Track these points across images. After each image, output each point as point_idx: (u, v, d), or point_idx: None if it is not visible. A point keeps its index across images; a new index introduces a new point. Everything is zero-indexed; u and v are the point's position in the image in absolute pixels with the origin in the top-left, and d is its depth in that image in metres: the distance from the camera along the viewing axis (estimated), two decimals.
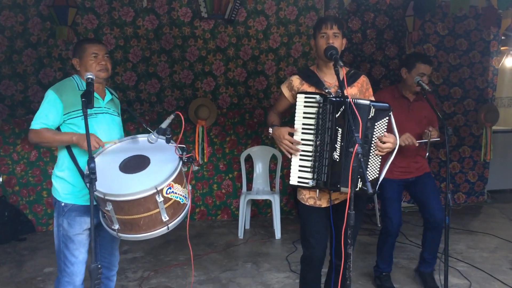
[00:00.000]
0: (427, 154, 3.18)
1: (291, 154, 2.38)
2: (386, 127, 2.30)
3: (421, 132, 3.15)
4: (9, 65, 4.70)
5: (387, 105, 2.31)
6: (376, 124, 2.28)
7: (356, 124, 2.12)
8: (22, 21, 4.65)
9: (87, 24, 4.76)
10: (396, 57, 5.59)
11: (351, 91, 2.45)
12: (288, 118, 2.44)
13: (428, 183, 3.31)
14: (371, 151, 2.29)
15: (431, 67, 3.24)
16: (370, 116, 2.27)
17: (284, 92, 2.59)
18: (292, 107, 2.60)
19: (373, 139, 2.29)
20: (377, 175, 2.33)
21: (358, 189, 2.27)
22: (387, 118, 2.30)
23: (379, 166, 2.33)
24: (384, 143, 2.29)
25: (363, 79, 2.56)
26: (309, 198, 2.49)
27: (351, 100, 2.18)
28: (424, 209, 3.31)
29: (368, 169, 2.29)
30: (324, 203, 2.47)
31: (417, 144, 3.09)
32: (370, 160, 2.30)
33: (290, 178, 2.40)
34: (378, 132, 2.29)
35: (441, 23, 5.64)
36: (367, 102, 2.27)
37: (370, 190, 1.95)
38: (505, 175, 6.49)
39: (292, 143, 2.35)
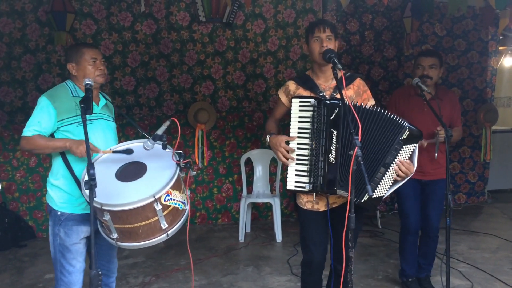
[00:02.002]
0: (436, 155, 3.13)
1: (287, 161, 2.37)
2: (411, 152, 2.28)
3: (433, 134, 3.09)
4: (8, 71, 4.69)
5: (421, 132, 2.29)
6: (404, 146, 2.26)
7: (355, 126, 2.11)
8: (20, 27, 4.65)
9: (85, 30, 4.77)
10: (395, 58, 5.59)
11: (347, 93, 2.44)
12: (287, 121, 2.44)
13: (437, 190, 3.26)
14: (390, 169, 2.26)
15: (430, 57, 3.18)
16: (402, 138, 2.25)
17: (281, 98, 2.60)
18: (290, 113, 2.59)
19: (396, 159, 2.26)
20: (384, 193, 2.30)
21: (363, 200, 2.24)
22: (415, 145, 2.29)
23: (390, 185, 2.30)
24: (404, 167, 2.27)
25: (359, 81, 2.55)
26: (307, 202, 2.49)
27: (349, 102, 2.17)
28: (422, 214, 3.30)
29: (379, 185, 2.27)
30: (322, 207, 2.46)
31: (425, 144, 3.06)
32: (384, 177, 2.27)
33: (287, 183, 2.40)
34: (403, 155, 2.27)
35: (439, 24, 5.65)
36: (405, 123, 2.25)
37: (371, 193, 1.93)
38: (505, 175, 6.48)
39: (288, 152, 2.35)
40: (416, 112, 3.14)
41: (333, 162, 2.27)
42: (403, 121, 2.25)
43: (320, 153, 2.30)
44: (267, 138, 2.49)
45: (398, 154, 2.26)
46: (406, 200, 3.28)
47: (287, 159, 2.36)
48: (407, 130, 2.25)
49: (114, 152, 2.29)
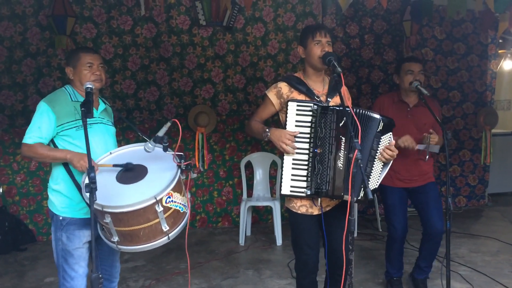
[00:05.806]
0: (427, 157, 3.15)
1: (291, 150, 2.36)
2: (390, 140, 2.38)
3: (422, 137, 3.11)
4: (9, 75, 4.70)
5: (393, 120, 2.40)
6: (382, 137, 2.34)
7: (355, 132, 2.12)
8: (21, 31, 4.67)
9: (86, 33, 4.78)
10: (394, 61, 5.59)
11: (336, 100, 2.45)
12: (271, 119, 2.45)
13: (431, 193, 3.27)
14: (375, 162, 2.34)
15: (419, 63, 3.24)
16: (378, 130, 2.32)
17: (271, 99, 2.52)
18: (274, 116, 2.58)
19: (378, 151, 2.33)
20: (376, 186, 2.38)
21: (360, 197, 2.28)
22: (390, 133, 2.39)
23: (379, 177, 2.38)
24: (390, 150, 2.36)
25: (344, 88, 2.57)
26: (300, 206, 2.48)
27: (352, 110, 2.19)
28: (424, 219, 3.28)
29: (370, 179, 2.33)
30: (315, 211, 2.47)
31: (416, 147, 3.07)
32: (373, 171, 2.34)
33: (282, 188, 2.36)
34: (383, 145, 2.35)
35: (439, 27, 5.66)
36: (378, 116, 2.32)
37: (371, 196, 1.95)
38: (506, 178, 6.48)
39: (291, 142, 2.33)
40: (401, 118, 3.14)
41: (341, 168, 2.29)
42: (376, 114, 2.34)
43: (328, 159, 2.30)
44: (267, 131, 2.38)
45: (379, 145, 2.34)
46: (393, 210, 3.29)
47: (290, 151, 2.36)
48: (381, 121, 2.33)
49: (114, 166, 2.25)
